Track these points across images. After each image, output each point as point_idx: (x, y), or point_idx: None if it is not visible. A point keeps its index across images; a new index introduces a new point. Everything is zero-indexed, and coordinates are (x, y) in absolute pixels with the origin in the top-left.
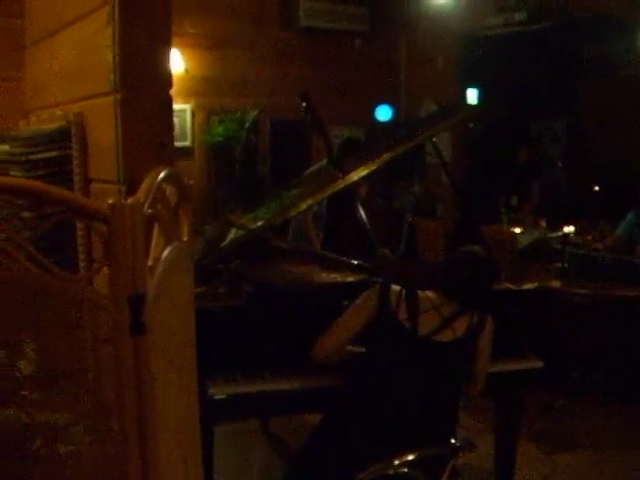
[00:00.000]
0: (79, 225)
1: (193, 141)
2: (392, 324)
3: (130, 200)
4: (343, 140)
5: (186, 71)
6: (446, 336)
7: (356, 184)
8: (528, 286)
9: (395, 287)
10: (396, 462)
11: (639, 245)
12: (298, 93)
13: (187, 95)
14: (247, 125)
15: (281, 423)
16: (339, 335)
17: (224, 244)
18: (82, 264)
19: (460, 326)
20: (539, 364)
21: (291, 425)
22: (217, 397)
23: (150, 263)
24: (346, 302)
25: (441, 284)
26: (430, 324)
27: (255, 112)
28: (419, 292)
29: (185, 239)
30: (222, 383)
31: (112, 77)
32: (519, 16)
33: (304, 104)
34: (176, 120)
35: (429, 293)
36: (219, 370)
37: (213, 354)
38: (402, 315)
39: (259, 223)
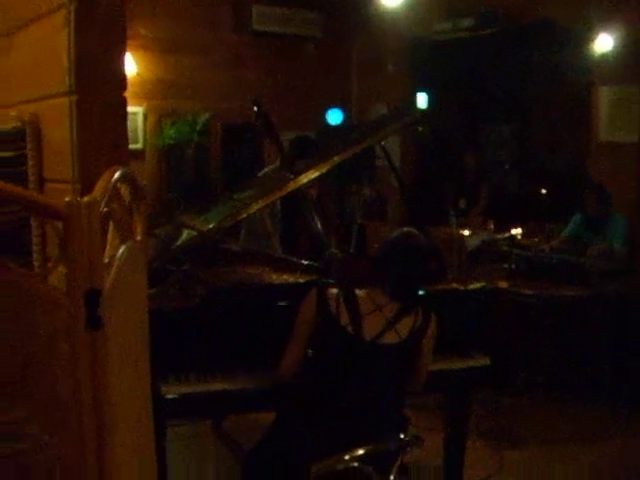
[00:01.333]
0: (34, 224)
1: (145, 144)
2: (335, 330)
3: (86, 198)
4: (293, 139)
5: (138, 74)
6: (391, 338)
7: (307, 186)
8: (475, 286)
9: (332, 290)
10: (347, 457)
11: (590, 247)
12: (250, 99)
13: (139, 98)
14: (199, 128)
15: (234, 423)
16: (295, 350)
17: (176, 245)
18: (36, 263)
19: (404, 327)
20: (486, 362)
21: (244, 425)
22: (169, 396)
23: (106, 260)
24: (296, 302)
25: (380, 275)
26: (374, 327)
27: (207, 115)
28: (360, 292)
29: (139, 238)
30: (174, 383)
31: (67, 78)
32: (467, 22)
33: (255, 108)
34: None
35: (371, 292)
36: (171, 370)
37: (165, 354)
38: (344, 320)
39: (211, 225)
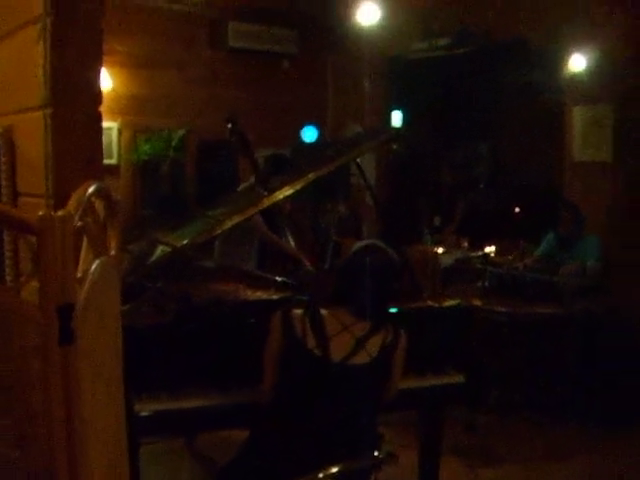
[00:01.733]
0: (6, 239)
1: (119, 159)
2: (302, 354)
3: (60, 212)
4: (268, 157)
5: (113, 89)
6: (361, 358)
7: (282, 201)
8: (449, 304)
9: (297, 311)
10: (320, 475)
11: (563, 265)
12: (225, 115)
13: (114, 113)
14: (174, 144)
15: (207, 440)
16: (271, 374)
17: (150, 261)
18: (9, 277)
19: (374, 346)
20: (461, 379)
21: (217, 442)
22: (143, 414)
23: (79, 275)
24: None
25: (344, 293)
26: (343, 347)
27: (182, 131)
28: (326, 312)
29: (113, 253)
30: (147, 400)
31: (43, 91)
32: (443, 41)
33: (230, 125)
34: (103, 138)
35: (338, 312)
36: (145, 387)
37: (139, 371)
38: (311, 342)
39: (185, 241)
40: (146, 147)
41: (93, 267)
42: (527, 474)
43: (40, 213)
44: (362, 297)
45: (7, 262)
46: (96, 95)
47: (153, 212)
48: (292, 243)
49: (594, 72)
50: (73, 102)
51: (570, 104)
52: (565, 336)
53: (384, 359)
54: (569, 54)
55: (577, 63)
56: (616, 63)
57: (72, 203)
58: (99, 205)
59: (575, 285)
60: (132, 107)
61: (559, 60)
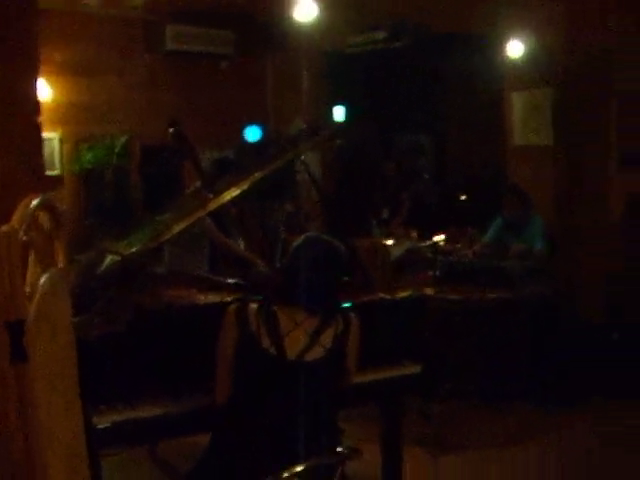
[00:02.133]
0: None
1: (62, 169)
2: (257, 353)
3: (5, 227)
4: (213, 162)
5: (52, 99)
6: (316, 353)
7: (227, 204)
8: (401, 294)
9: (252, 305)
10: (285, 474)
11: (512, 245)
12: (167, 120)
13: (54, 123)
14: (117, 151)
15: (170, 448)
16: (225, 376)
17: (99, 271)
18: None
19: (327, 338)
20: (417, 369)
21: (180, 449)
22: (101, 426)
23: (28, 289)
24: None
25: (291, 290)
26: (297, 344)
27: (125, 138)
28: (278, 310)
29: (61, 265)
30: (105, 411)
31: None
32: (380, 34)
33: (171, 130)
34: (44, 149)
35: (290, 309)
36: (101, 399)
37: (94, 383)
38: (265, 341)
39: (133, 249)
40: (89, 156)
41: (42, 280)
42: (487, 459)
43: None
44: (309, 292)
45: None
46: (34, 105)
47: (99, 221)
48: (242, 245)
49: (531, 57)
50: (11, 114)
51: (509, 90)
52: (516, 320)
53: (338, 349)
54: (506, 41)
55: (514, 49)
56: (552, 48)
57: (16, 218)
58: (44, 217)
59: (523, 268)
60: (72, 116)
61: (497, 47)
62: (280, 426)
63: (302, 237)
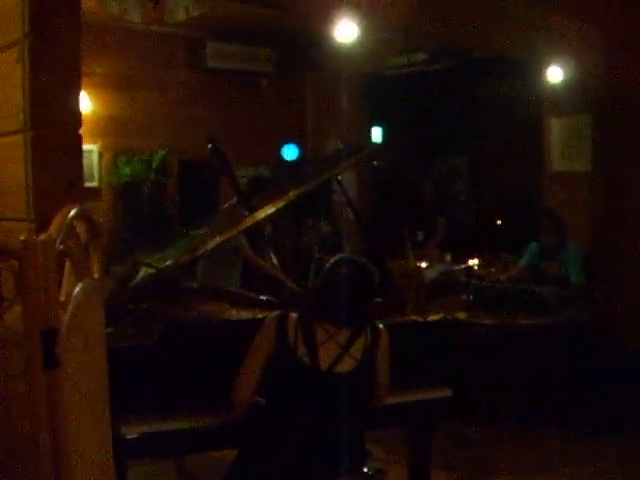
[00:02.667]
0: None
1: (100, 182)
2: (292, 361)
3: (42, 236)
4: (249, 179)
5: (93, 112)
6: (347, 364)
7: (262, 222)
8: (434, 317)
9: (293, 315)
10: None
11: (548, 267)
12: (206, 136)
13: (94, 135)
14: (155, 165)
15: (197, 461)
16: (247, 380)
17: (133, 284)
18: None
19: (357, 350)
20: (447, 393)
21: (207, 463)
22: (129, 436)
23: (62, 299)
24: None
25: (324, 306)
26: (329, 355)
27: (163, 152)
28: (315, 323)
29: (96, 276)
30: (134, 422)
31: (22, 116)
32: (421, 56)
33: (210, 146)
34: (83, 161)
35: (323, 324)
36: (131, 409)
37: (125, 394)
38: (301, 350)
39: (168, 262)
40: (127, 169)
41: (76, 290)
42: None
43: (22, 238)
44: (341, 308)
45: None
46: (76, 117)
47: (136, 234)
48: (275, 263)
49: (571, 84)
50: (53, 125)
51: (548, 115)
52: (551, 346)
53: (368, 360)
54: (546, 66)
55: (554, 75)
56: (591, 73)
57: (54, 227)
58: (81, 228)
59: (559, 294)
60: (112, 129)
61: (536, 73)
62: (308, 438)
63: (336, 257)
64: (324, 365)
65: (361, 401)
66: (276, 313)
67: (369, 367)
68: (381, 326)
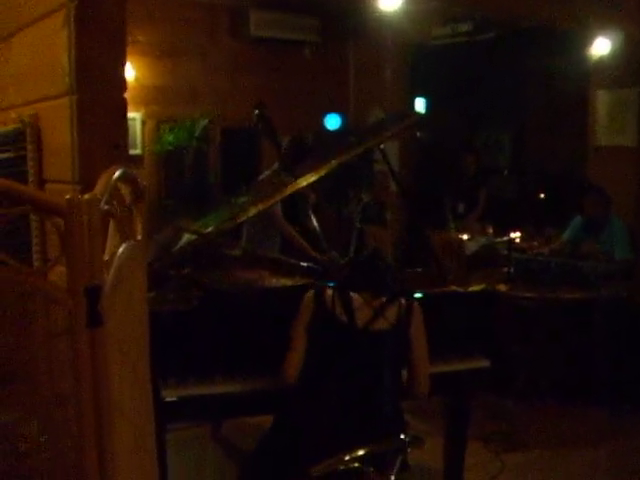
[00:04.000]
0: (34, 224)
1: (143, 149)
2: (331, 319)
3: (87, 195)
4: (288, 140)
5: (136, 79)
6: (381, 324)
7: (305, 190)
8: (475, 289)
9: (329, 290)
10: (347, 457)
11: (583, 243)
12: (253, 103)
13: (137, 103)
14: (197, 133)
15: (233, 427)
16: (297, 355)
17: (175, 249)
18: (36, 263)
19: (391, 314)
20: (486, 364)
21: (243, 430)
22: (169, 399)
23: (106, 258)
24: (294, 305)
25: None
26: (365, 316)
27: (205, 121)
28: (351, 292)
29: (139, 238)
30: (174, 385)
31: (67, 79)
32: (465, 27)
33: (256, 112)
34: None
35: (361, 293)
36: (171, 373)
37: (165, 357)
38: (339, 310)
39: (209, 228)
40: (169, 137)
41: (120, 250)
42: (553, 460)
43: (67, 196)
44: (376, 282)
45: (35, 246)
46: (121, 81)
47: (177, 201)
48: (318, 231)
49: (618, 55)
50: (98, 89)
51: (594, 88)
52: (591, 321)
53: (402, 326)
54: (593, 38)
55: (601, 47)
56: None
57: (98, 187)
58: (125, 190)
59: (601, 269)
60: (155, 97)
61: (583, 44)
62: (345, 401)
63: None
64: (360, 323)
65: (396, 361)
66: (312, 291)
67: (404, 332)
68: (415, 302)
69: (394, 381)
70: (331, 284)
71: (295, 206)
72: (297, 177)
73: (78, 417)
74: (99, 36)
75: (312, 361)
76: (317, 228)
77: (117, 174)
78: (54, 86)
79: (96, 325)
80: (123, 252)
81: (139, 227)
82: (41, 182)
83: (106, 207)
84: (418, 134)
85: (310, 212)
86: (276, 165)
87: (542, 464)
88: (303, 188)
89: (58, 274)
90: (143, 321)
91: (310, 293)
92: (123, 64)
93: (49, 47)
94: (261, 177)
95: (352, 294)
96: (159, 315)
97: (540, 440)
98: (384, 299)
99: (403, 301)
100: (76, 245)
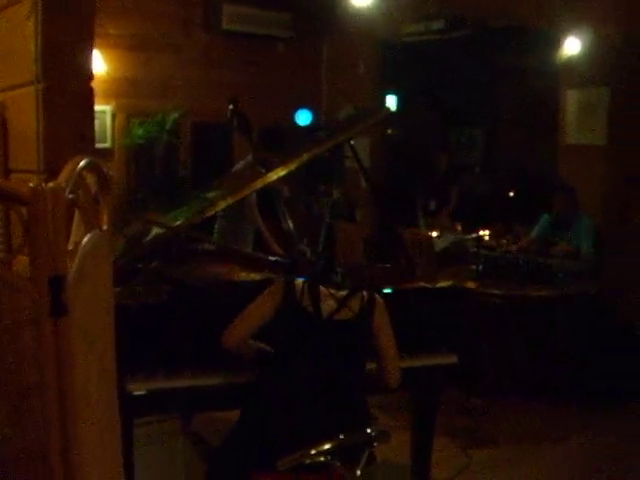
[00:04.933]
0: None
1: (113, 143)
2: (297, 309)
3: (51, 184)
4: (258, 132)
5: (107, 72)
6: (345, 315)
7: (278, 183)
8: (443, 285)
9: (299, 280)
10: (313, 451)
11: (555, 246)
12: (227, 98)
13: (108, 97)
14: (168, 127)
15: (203, 423)
16: (247, 321)
17: (144, 242)
18: (0, 254)
19: (354, 305)
20: (453, 360)
21: (213, 425)
22: (137, 393)
23: (70, 247)
24: None
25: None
26: (330, 307)
27: (176, 114)
28: (318, 284)
29: (105, 228)
30: (142, 379)
31: (34, 67)
32: (437, 24)
33: (231, 107)
34: (96, 122)
35: (327, 285)
36: (139, 367)
37: (133, 351)
38: (305, 301)
39: (178, 222)
40: (140, 131)
41: (85, 240)
42: (520, 455)
43: (30, 184)
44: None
45: None
46: (88, 71)
47: (147, 195)
48: (291, 227)
49: (589, 55)
50: (65, 77)
51: (565, 87)
52: (559, 318)
53: (365, 316)
54: (564, 37)
55: (572, 46)
56: (610, 45)
57: (63, 175)
58: (91, 180)
59: (569, 268)
60: (125, 90)
61: (554, 43)
62: (310, 393)
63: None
64: (325, 314)
65: (361, 351)
66: (284, 280)
67: (367, 322)
68: (377, 295)
69: (358, 372)
70: (300, 279)
71: (268, 199)
72: (268, 170)
73: (43, 407)
74: (67, 25)
75: (278, 352)
76: (290, 223)
77: (82, 163)
78: (20, 74)
79: (60, 315)
80: (88, 242)
81: (105, 217)
82: (7, 172)
83: (71, 196)
84: (389, 131)
85: (283, 207)
86: (250, 157)
87: (509, 459)
88: (274, 182)
89: (23, 264)
90: (109, 311)
91: (280, 281)
92: (90, 53)
93: (16, 35)
94: (234, 168)
95: (319, 286)
96: (127, 309)
97: (507, 436)
98: (347, 291)
99: (365, 293)
100: (40, 234)
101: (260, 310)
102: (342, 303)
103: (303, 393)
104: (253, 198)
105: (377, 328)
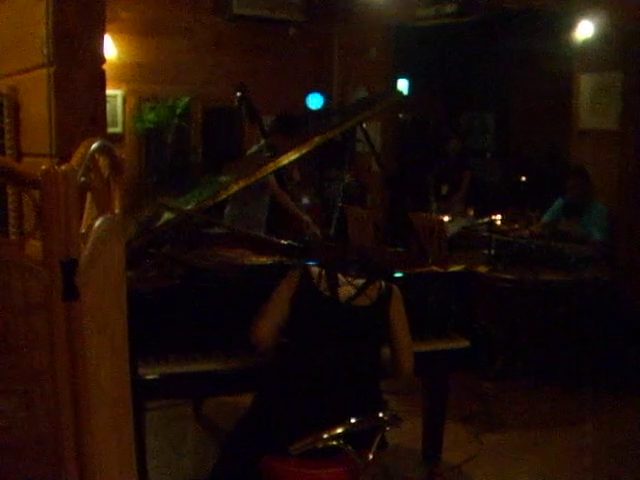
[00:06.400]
0: (10, 197)
1: (124, 127)
2: (315, 294)
3: (64, 167)
4: (275, 119)
5: (118, 57)
6: (362, 301)
7: (289, 168)
8: (454, 269)
9: (315, 268)
10: (325, 436)
11: (569, 230)
12: (234, 84)
13: (119, 81)
14: (179, 111)
15: (214, 407)
16: (270, 317)
17: (156, 226)
18: (13, 237)
19: (372, 292)
20: (465, 344)
21: (224, 409)
22: (148, 377)
23: (83, 230)
24: (275, 283)
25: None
26: (347, 293)
27: (187, 99)
28: (335, 271)
29: (117, 211)
30: (153, 363)
31: (45, 50)
32: (450, 8)
33: (238, 94)
34: (107, 106)
35: (344, 273)
36: (151, 350)
37: (145, 335)
38: (323, 286)
39: (190, 206)
40: (151, 115)
41: (97, 223)
42: (531, 440)
43: (43, 167)
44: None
45: (11, 220)
46: (99, 54)
47: (158, 180)
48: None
49: (603, 39)
50: (76, 60)
51: (578, 72)
52: (571, 303)
53: (382, 304)
54: (578, 21)
55: (586, 30)
56: (625, 29)
57: (75, 158)
58: (103, 163)
59: (581, 252)
60: (137, 74)
61: (567, 27)
62: (325, 378)
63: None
64: (342, 299)
65: (376, 338)
66: (299, 269)
67: (383, 310)
68: (395, 286)
69: (373, 358)
70: (313, 264)
71: (280, 183)
72: (279, 155)
73: (55, 391)
74: (77, 8)
75: (294, 336)
76: (302, 206)
77: (94, 146)
78: (32, 58)
79: (72, 298)
80: (100, 225)
81: (117, 200)
82: (19, 155)
83: (83, 179)
84: (400, 115)
85: (294, 192)
86: (262, 142)
87: (521, 444)
88: (286, 166)
89: (36, 247)
90: (121, 295)
91: (297, 269)
92: (102, 37)
93: (27, 19)
94: (247, 153)
95: (336, 273)
96: (138, 293)
97: (519, 420)
98: (365, 279)
99: (383, 283)
100: (52, 217)
101: (280, 301)
102: (360, 290)
103: (319, 377)
104: (272, 177)
105: (393, 317)
